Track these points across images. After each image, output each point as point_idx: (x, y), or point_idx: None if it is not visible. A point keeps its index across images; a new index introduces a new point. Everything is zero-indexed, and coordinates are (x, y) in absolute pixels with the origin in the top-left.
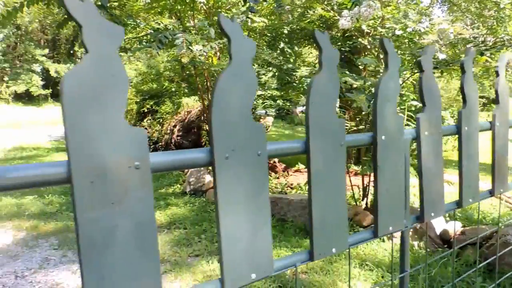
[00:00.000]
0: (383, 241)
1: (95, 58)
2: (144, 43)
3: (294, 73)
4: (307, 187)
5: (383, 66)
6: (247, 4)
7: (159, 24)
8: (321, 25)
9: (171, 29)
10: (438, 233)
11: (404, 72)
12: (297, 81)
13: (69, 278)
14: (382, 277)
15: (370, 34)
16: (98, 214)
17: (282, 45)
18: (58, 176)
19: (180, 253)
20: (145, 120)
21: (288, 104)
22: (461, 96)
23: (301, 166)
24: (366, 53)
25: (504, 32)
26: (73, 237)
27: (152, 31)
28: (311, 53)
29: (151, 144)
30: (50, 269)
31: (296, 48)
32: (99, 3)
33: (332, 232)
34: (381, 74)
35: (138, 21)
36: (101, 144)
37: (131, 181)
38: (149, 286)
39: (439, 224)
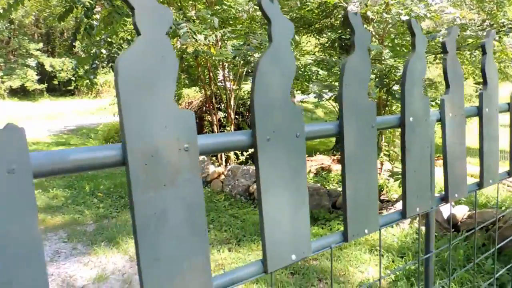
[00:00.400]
0: (392, 226)
1: (147, 40)
2: None
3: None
4: (311, 176)
5: (384, 51)
6: None
7: None
8: (320, 13)
9: (174, 19)
10: (445, 217)
11: None
12: (302, 69)
13: (82, 270)
14: (393, 261)
15: (375, 20)
16: (152, 195)
17: None
18: (114, 159)
19: None
20: None
21: None
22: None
23: None
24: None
25: (504, 17)
26: (81, 230)
27: None
28: (309, 41)
29: None
30: (61, 262)
31: (296, 37)
32: None
33: (365, 213)
34: (385, 60)
35: None
36: (153, 127)
37: (181, 163)
38: (199, 265)
39: (446, 208)
